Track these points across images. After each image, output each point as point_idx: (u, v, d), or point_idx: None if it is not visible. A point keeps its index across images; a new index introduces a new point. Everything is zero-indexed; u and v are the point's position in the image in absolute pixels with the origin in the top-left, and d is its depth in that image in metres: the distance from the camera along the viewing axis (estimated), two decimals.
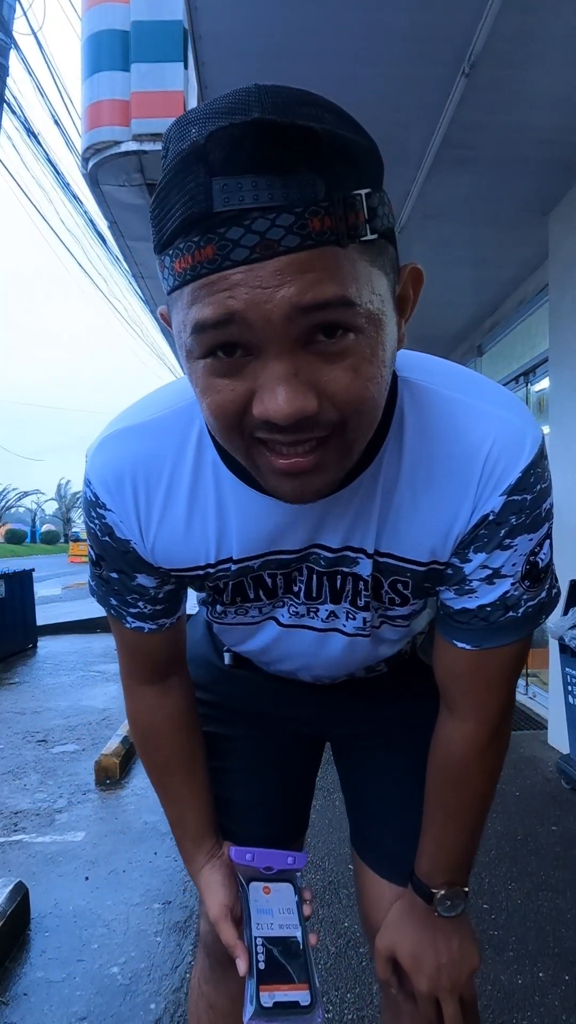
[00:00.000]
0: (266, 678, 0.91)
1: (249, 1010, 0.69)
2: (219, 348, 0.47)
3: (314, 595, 0.70)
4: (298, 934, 0.77)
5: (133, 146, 4.07)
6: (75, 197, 6.78)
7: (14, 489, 46.99)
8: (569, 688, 2.93)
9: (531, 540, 0.63)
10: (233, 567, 0.67)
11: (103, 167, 4.22)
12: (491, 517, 0.61)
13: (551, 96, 2.67)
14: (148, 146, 4.06)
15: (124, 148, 4.09)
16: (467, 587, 0.65)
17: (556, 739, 3.45)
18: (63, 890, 2.19)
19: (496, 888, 2.16)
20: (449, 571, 0.66)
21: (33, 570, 6.93)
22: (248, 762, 0.95)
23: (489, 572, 0.63)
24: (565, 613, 2.95)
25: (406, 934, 0.80)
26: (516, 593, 0.64)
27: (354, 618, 0.71)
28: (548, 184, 3.30)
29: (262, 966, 0.73)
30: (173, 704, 0.85)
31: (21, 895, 2.00)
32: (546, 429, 3.96)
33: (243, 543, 0.65)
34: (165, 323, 0.54)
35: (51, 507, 53.84)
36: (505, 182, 3.29)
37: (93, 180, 4.35)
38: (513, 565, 0.63)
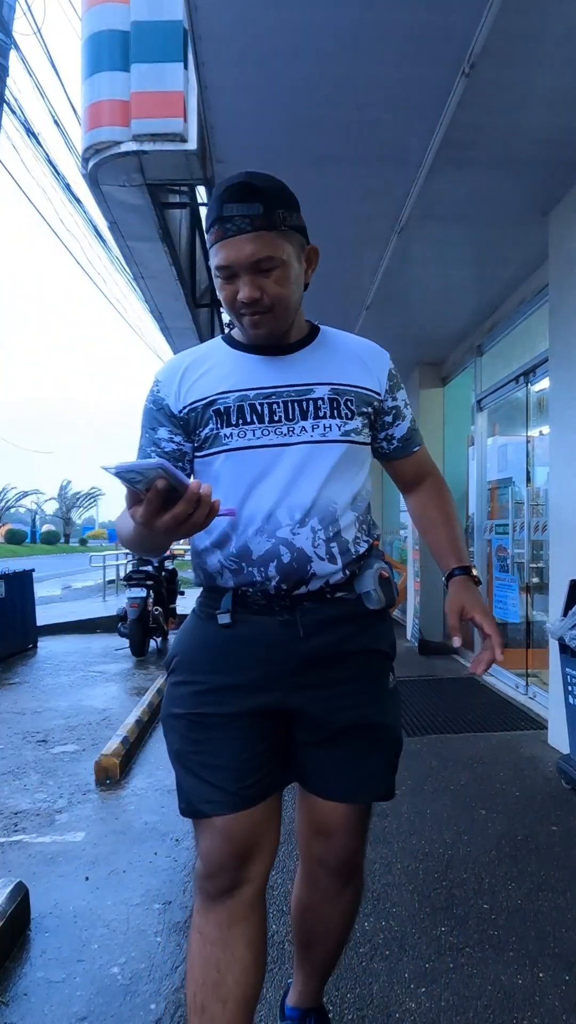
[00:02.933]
0: (254, 643, 1.19)
1: None
2: (225, 277, 1.14)
3: (290, 416, 1.20)
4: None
5: (133, 146, 4.06)
6: (76, 198, 6.77)
7: (14, 489, 46.93)
8: (569, 688, 2.93)
9: (405, 394, 1.35)
10: (234, 395, 1.20)
11: (103, 167, 4.21)
12: (392, 369, 1.31)
13: (551, 96, 2.67)
14: (148, 146, 4.05)
15: (124, 148, 4.08)
16: (400, 414, 1.33)
17: (556, 739, 3.46)
18: (63, 890, 2.19)
19: (496, 888, 2.16)
20: (391, 407, 1.31)
21: (33, 570, 6.93)
22: (236, 731, 1.19)
23: (403, 403, 1.33)
24: (565, 613, 2.95)
25: (468, 597, 1.28)
26: (412, 420, 1.37)
27: (318, 427, 1.20)
28: (548, 184, 3.30)
29: None
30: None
31: (21, 895, 2.00)
32: (546, 429, 3.96)
33: (240, 380, 1.22)
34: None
35: (51, 507, 53.79)
36: (505, 182, 3.29)
37: (93, 180, 4.35)
38: (405, 404, 1.34)
